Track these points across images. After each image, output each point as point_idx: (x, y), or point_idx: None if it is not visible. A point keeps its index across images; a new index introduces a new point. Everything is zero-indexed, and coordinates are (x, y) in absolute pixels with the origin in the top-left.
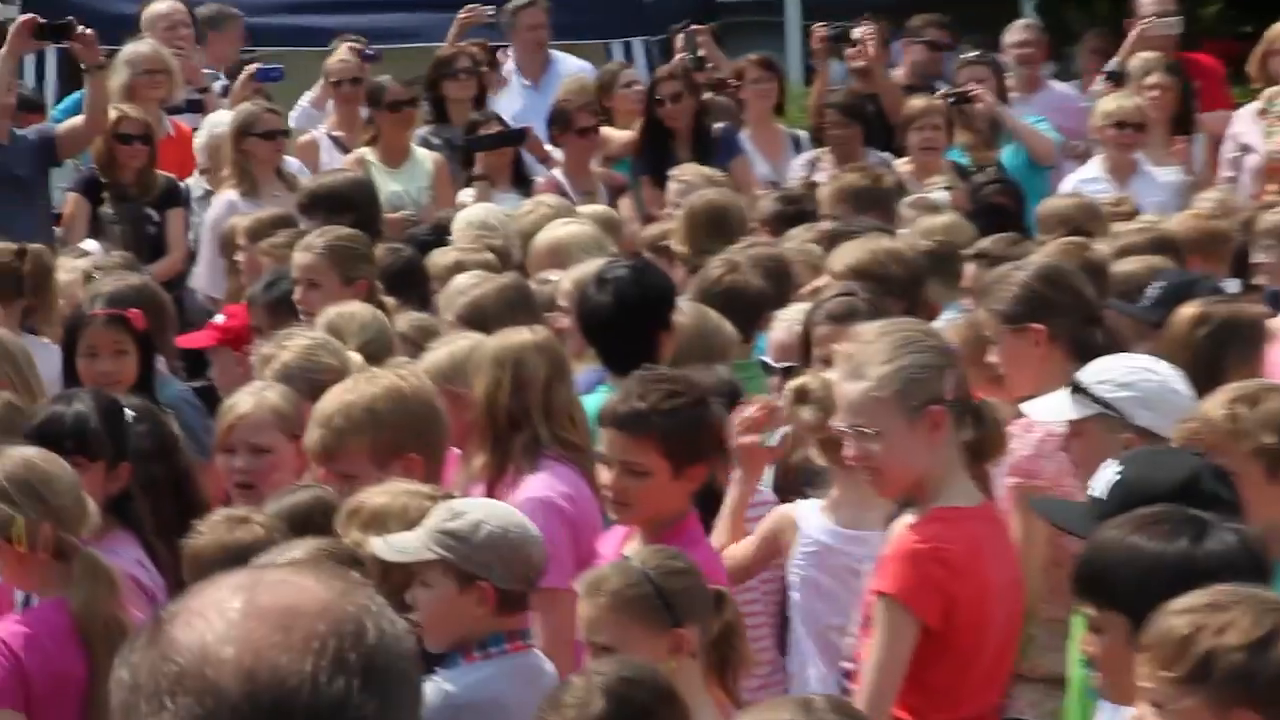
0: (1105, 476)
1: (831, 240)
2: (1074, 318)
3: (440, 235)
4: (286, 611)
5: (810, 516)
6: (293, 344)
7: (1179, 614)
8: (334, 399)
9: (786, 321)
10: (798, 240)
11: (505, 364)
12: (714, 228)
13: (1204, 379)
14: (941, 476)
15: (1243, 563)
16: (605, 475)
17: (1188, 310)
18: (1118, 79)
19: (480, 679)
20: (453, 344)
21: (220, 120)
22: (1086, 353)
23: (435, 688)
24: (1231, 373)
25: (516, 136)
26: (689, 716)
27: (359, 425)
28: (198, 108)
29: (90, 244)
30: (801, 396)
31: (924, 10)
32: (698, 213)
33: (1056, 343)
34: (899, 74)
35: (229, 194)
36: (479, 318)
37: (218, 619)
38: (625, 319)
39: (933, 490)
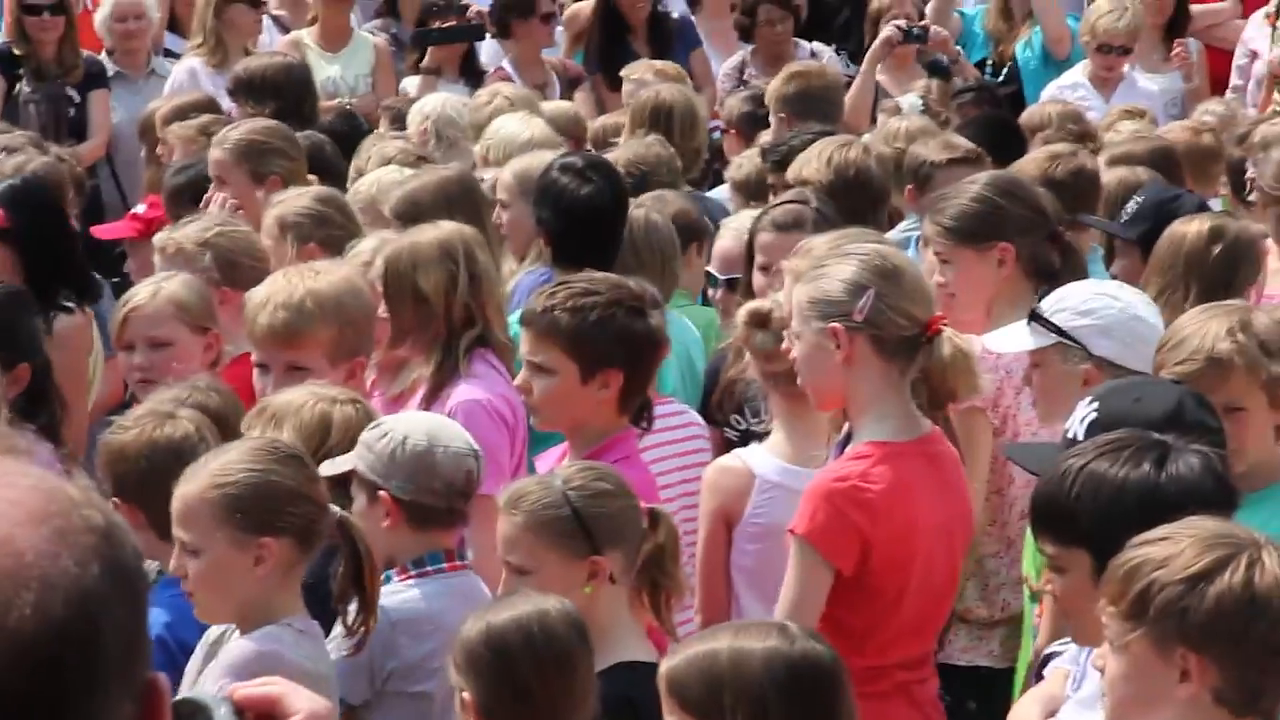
0: (1080, 414)
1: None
2: (1035, 235)
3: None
4: None
5: (762, 460)
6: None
7: (1135, 547)
8: (297, 283)
9: (735, 230)
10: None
11: (457, 257)
12: (663, 125)
13: (1213, 298)
14: (865, 407)
15: (1207, 488)
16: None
17: (1197, 225)
18: None
19: (410, 597)
20: (381, 242)
21: None
22: (1046, 274)
23: None
24: (1237, 293)
25: (474, 32)
26: (585, 670)
27: (328, 315)
28: None
29: None
30: (759, 321)
31: None
32: (643, 108)
33: (1018, 263)
34: None
35: (192, 61)
36: (414, 212)
37: None
38: (595, 216)
39: (858, 422)
